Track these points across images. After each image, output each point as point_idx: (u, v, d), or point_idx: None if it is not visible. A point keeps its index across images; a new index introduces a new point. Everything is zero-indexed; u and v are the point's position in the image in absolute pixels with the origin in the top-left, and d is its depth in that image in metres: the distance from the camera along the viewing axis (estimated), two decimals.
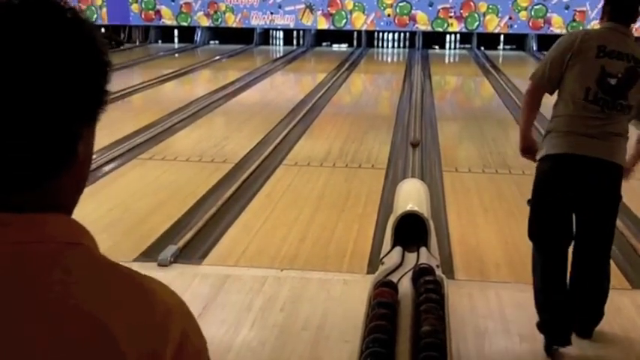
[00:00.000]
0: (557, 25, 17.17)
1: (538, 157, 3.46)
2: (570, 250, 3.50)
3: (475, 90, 13.49)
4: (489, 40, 17.70)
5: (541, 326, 3.46)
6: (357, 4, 17.75)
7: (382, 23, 17.82)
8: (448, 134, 8.59)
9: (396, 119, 9.32)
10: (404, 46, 17.93)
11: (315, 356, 3.48)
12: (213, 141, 8.07)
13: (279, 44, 18.49)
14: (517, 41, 17.83)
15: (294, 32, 18.41)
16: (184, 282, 4.27)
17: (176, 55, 17.32)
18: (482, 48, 17.49)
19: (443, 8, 17.56)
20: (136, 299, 0.86)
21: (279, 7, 17.98)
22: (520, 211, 5.37)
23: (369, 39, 18.02)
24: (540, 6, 17.29)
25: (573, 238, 3.46)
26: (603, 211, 3.42)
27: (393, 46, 18.12)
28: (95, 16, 18.36)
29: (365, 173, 6.80)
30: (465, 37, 17.96)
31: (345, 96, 11.92)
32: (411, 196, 4.96)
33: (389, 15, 17.71)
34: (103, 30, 18.10)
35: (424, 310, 3.45)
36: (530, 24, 17.43)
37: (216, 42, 18.63)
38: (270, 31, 18.51)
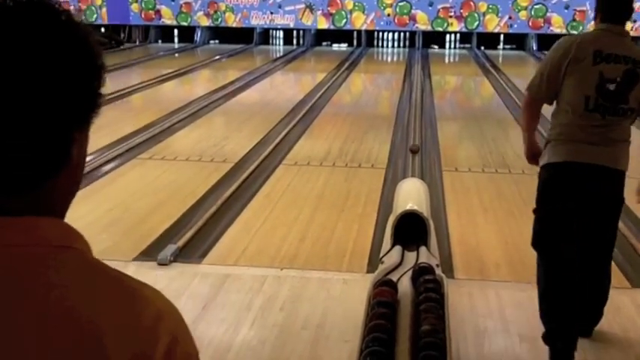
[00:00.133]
0: (557, 25, 17.17)
1: (540, 164, 3.42)
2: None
3: (475, 90, 13.49)
4: (489, 40, 17.70)
5: (547, 337, 3.37)
6: (357, 3, 17.75)
7: (382, 23, 17.81)
8: (448, 134, 8.59)
9: (396, 119, 9.32)
10: (404, 46, 17.93)
11: (315, 355, 3.48)
12: (213, 141, 8.07)
13: (279, 44, 18.49)
14: (517, 41, 17.83)
15: (294, 32, 18.41)
16: (184, 281, 4.27)
17: (176, 54, 17.32)
18: (482, 48, 17.49)
19: (443, 8, 17.55)
20: (126, 303, 0.86)
21: (279, 6, 17.97)
22: (520, 210, 5.38)
23: (369, 39, 18.02)
24: (540, 5, 17.29)
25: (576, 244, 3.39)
26: (605, 218, 3.37)
27: (393, 46, 18.13)
28: (95, 15, 18.37)
29: (365, 173, 6.80)
30: (465, 37, 17.96)
31: (344, 96, 11.92)
32: (411, 195, 4.96)
33: (389, 15, 17.71)
34: (102, 30, 18.12)
35: (424, 310, 3.45)
36: (530, 24, 17.42)
37: (216, 42, 18.63)
38: (270, 31, 18.51)
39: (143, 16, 18.56)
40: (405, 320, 3.43)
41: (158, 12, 18.46)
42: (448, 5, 17.54)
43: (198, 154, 7.32)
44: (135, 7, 18.52)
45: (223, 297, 4.08)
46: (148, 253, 4.71)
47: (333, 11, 17.85)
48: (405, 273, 3.97)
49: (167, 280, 4.27)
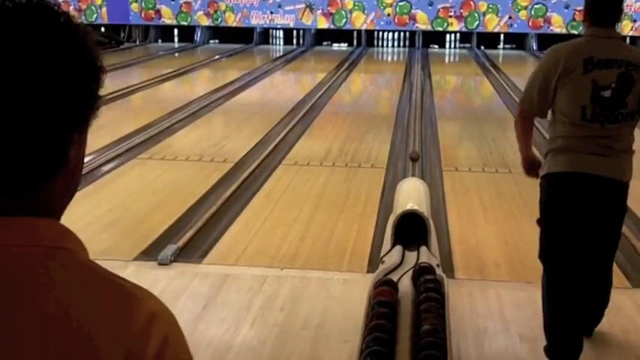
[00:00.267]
0: (557, 25, 17.17)
1: (541, 174, 3.35)
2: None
3: (475, 89, 13.49)
4: (489, 40, 17.71)
5: (548, 351, 3.33)
6: (356, 3, 17.74)
7: (382, 23, 17.81)
8: (448, 134, 8.59)
9: (396, 119, 9.32)
10: (404, 46, 17.94)
11: (315, 355, 3.48)
12: (213, 140, 8.07)
13: (279, 44, 18.49)
14: (517, 40, 17.84)
15: (294, 32, 18.41)
16: (184, 281, 4.27)
17: (176, 54, 17.32)
18: (482, 47, 17.49)
19: (443, 7, 17.55)
20: (119, 304, 0.86)
21: (279, 6, 17.97)
22: (520, 210, 5.38)
23: (368, 38, 18.03)
24: (540, 5, 17.29)
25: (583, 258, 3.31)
26: (606, 228, 3.31)
27: (392, 46, 18.13)
28: (95, 15, 18.37)
29: (365, 172, 6.80)
30: (465, 37, 17.96)
31: (344, 95, 11.92)
32: (411, 195, 4.96)
33: (389, 14, 17.71)
34: (102, 29, 18.12)
35: (424, 309, 3.45)
36: (530, 23, 17.42)
37: (216, 41, 18.63)
38: (270, 31, 18.51)
39: (143, 15, 18.56)
40: (405, 320, 3.43)
41: (158, 11, 18.46)
42: (448, 5, 17.54)
43: (198, 154, 7.32)
44: (135, 6, 18.52)
45: (223, 297, 4.08)
46: (148, 253, 4.70)
47: (333, 11, 17.85)
48: (405, 273, 3.97)
49: (167, 280, 4.27)
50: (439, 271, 4.01)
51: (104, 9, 18.43)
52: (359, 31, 18.04)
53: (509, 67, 14.23)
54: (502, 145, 7.58)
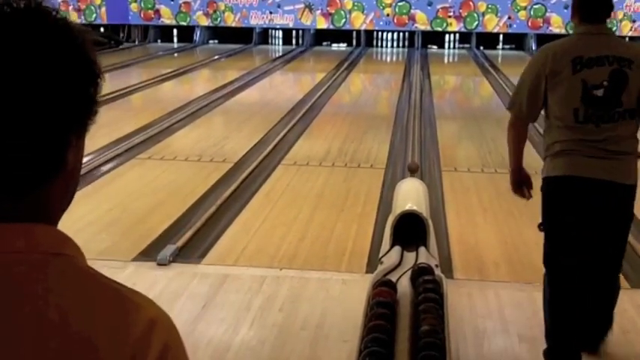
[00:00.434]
0: (557, 25, 17.18)
1: (542, 176, 3.23)
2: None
3: (474, 89, 13.49)
4: (488, 40, 17.71)
5: (547, 353, 3.28)
6: (356, 3, 17.75)
7: (381, 23, 17.82)
8: (447, 134, 8.59)
9: (395, 119, 9.32)
10: (403, 46, 17.94)
11: (314, 356, 3.48)
12: (213, 140, 8.07)
13: (279, 44, 18.49)
14: (516, 41, 17.84)
15: (294, 32, 18.42)
16: (183, 281, 4.27)
17: (175, 54, 17.32)
18: (482, 47, 17.50)
19: (442, 8, 17.56)
20: (118, 311, 0.86)
21: (279, 6, 17.97)
22: (519, 210, 5.37)
23: (368, 38, 18.03)
24: (539, 5, 17.30)
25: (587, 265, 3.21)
26: (610, 234, 3.16)
27: (392, 46, 18.13)
28: (94, 15, 18.37)
29: (364, 173, 6.80)
30: (464, 37, 17.97)
31: (344, 95, 11.92)
32: (410, 195, 4.96)
33: (388, 14, 17.71)
34: (102, 29, 18.12)
35: (423, 310, 3.45)
36: (530, 23, 17.43)
37: (216, 41, 18.63)
38: (270, 31, 18.52)
39: (142, 15, 18.56)
40: (404, 320, 3.43)
41: (157, 12, 18.46)
42: (447, 5, 17.54)
43: (198, 154, 7.32)
44: (134, 6, 18.52)
45: (222, 297, 4.08)
46: (148, 254, 4.70)
47: (332, 11, 17.86)
48: (404, 273, 3.97)
49: (166, 281, 4.27)
50: (438, 272, 4.01)
51: (103, 9, 18.42)
52: (358, 32, 18.05)
53: (508, 68, 14.22)
54: (501, 145, 7.54)
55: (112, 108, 9.28)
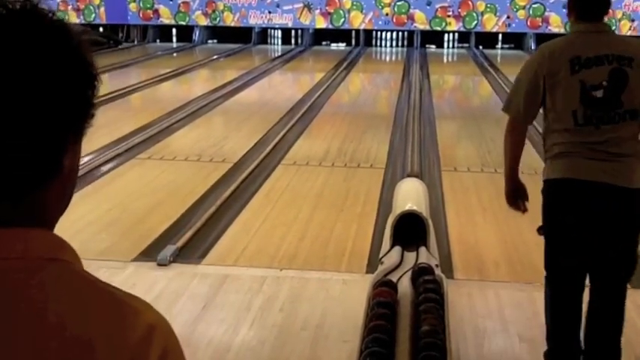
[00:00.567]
0: (556, 24, 17.17)
1: (542, 178, 3.14)
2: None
3: (473, 89, 13.49)
4: (487, 39, 17.70)
5: (548, 355, 3.23)
6: (355, 3, 17.74)
7: (380, 22, 17.81)
8: (447, 133, 8.59)
9: (395, 118, 9.32)
10: (402, 45, 17.93)
11: (315, 356, 3.48)
12: (212, 140, 8.06)
13: (278, 43, 18.48)
14: (515, 40, 17.83)
15: (293, 31, 18.40)
16: (183, 282, 4.26)
17: (174, 54, 17.30)
18: (481, 47, 17.49)
19: (441, 7, 17.55)
20: (116, 316, 0.85)
21: (278, 6, 17.96)
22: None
23: (367, 38, 18.02)
24: (538, 5, 17.29)
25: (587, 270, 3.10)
26: (613, 239, 3.01)
27: (391, 45, 18.12)
28: (93, 15, 18.36)
29: (364, 172, 6.80)
30: (463, 36, 17.96)
31: (343, 95, 11.92)
32: (410, 195, 4.96)
33: (387, 14, 17.70)
34: (101, 29, 18.10)
35: (423, 310, 3.45)
36: (529, 23, 17.43)
37: (215, 41, 18.61)
38: (269, 30, 18.50)
39: (141, 15, 18.55)
40: (404, 321, 3.43)
41: (156, 11, 18.45)
42: (446, 4, 17.53)
43: (197, 154, 7.31)
44: (133, 6, 18.50)
45: (223, 297, 4.08)
46: (148, 254, 4.70)
47: (331, 10, 17.85)
48: (404, 273, 3.97)
49: (166, 281, 4.27)
50: (438, 272, 4.01)
51: (102, 9, 18.41)
52: (357, 31, 18.03)
53: (507, 67, 14.20)
54: (501, 145, 7.49)
55: (112, 108, 9.27)
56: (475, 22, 17.57)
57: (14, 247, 0.84)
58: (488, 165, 6.96)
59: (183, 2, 18.30)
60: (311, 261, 4.64)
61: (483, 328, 3.77)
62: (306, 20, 18.01)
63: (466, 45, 17.83)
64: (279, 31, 18.46)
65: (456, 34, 17.99)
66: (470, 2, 17.49)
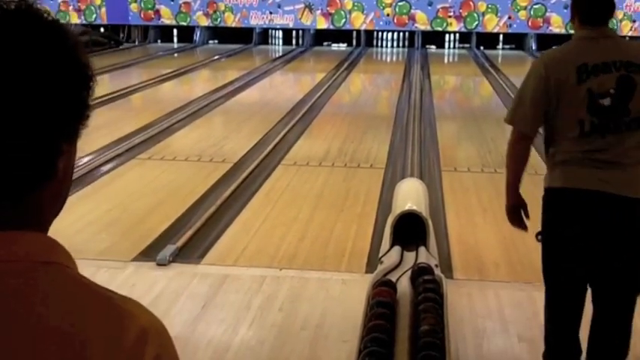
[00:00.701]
0: (557, 25, 17.17)
1: (544, 186, 3.05)
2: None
3: (474, 89, 13.49)
4: (488, 40, 17.70)
5: (547, 356, 3.17)
6: (356, 3, 17.74)
7: (381, 23, 17.81)
8: (447, 134, 8.60)
9: (395, 119, 9.32)
10: (403, 46, 17.94)
11: (314, 356, 3.48)
12: (212, 140, 8.07)
13: (279, 44, 18.49)
14: (516, 41, 17.83)
15: (294, 32, 18.41)
16: (183, 282, 4.27)
17: (175, 54, 17.31)
18: (482, 47, 17.49)
19: (442, 8, 17.55)
20: (111, 319, 0.85)
21: (279, 6, 17.97)
22: None
23: (368, 38, 18.02)
24: (539, 5, 17.29)
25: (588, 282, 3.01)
26: (616, 249, 2.89)
27: (392, 46, 18.12)
28: (94, 15, 18.37)
29: (364, 173, 6.80)
30: (464, 37, 17.96)
31: (344, 95, 11.92)
32: (410, 195, 4.96)
33: (388, 14, 17.71)
34: (102, 29, 18.12)
35: (423, 310, 3.46)
36: (530, 23, 17.42)
37: (216, 41, 18.62)
38: (270, 31, 18.51)
39: (142, 15, 18.56)
40: (404, 320, 3.44)
41: (157, 12, 18.46)
42: (447, 5, 17.54)
43: (198, 154, 7.32)
44: (134, 6, 18.51)
45: (222, 297, 4.08)
46: (147, 254, 4.70)
47: (333, 11, 17.85)
48: (404, 273, 3.97)
49: (166, 281, 4.27)
50: (438, 272, 4.02)
51: (103, 9, 18.42)
52: (358, 32, 18.04)
53: (508, 68, 14.22)
54: (501, 145, 7.54)
55: (112, 108, 9.28)
56: (476, 22, 17.57)
57: (7, 250, 0.84)
58: (488, 165, 6.96)
59: (184, 3, 18.31)
60: (311, 261, 4.65)
61: (483, 328, 3.77)
62: (307, 21, 18.01)
63: (467, 45, 17.83)
64: (280, 32, 18.47)
65: (457, 35, 17.99)
66: (471, 3, 17.49)
